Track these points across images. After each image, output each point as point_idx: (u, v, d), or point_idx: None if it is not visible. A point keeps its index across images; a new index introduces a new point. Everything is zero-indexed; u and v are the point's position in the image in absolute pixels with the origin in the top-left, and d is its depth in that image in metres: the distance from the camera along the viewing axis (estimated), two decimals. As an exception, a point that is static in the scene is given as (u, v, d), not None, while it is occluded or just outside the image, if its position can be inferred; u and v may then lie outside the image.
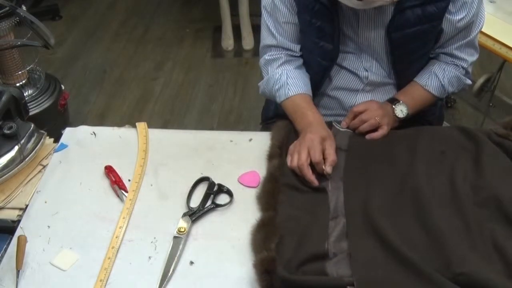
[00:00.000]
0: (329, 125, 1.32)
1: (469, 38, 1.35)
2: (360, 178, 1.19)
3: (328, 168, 1.19)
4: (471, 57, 1.39)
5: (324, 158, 1.20)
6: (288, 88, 1.35)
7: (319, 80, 1.41)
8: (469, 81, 1.43)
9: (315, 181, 1.17)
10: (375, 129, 1.30)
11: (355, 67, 1.39)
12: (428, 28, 1.27)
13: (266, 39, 1.41)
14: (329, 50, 1.33)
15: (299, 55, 1.41)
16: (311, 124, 1.27)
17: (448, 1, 1.24)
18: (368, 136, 1.30)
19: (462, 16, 1.28)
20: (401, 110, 1.35)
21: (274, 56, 1.40)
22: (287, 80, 1.36)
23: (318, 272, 1.01)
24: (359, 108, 1.32)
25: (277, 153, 1.25)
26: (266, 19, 1.38)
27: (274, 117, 1.56)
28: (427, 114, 1.50)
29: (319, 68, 1.39)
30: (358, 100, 1.42)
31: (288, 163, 1.21)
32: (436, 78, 1.38)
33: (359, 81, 1.40)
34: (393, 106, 1.35)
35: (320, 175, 1.19)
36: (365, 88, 1.41)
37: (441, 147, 1.25)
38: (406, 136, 1.30)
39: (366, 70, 1.38)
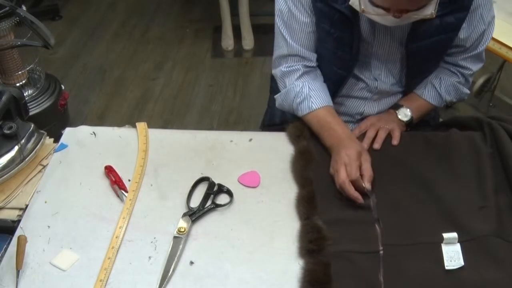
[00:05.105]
0: None
1: (476, 51, 1.34)
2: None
3: (367, 185, 1.15)
4: (476, 66, 1.39)
5: (361, 174, 1.16)
6: (312, 101, 1.30)
7: (335, 90, 1.38)
8: (467, 91, 1.42)
9: (359, 198, 1.13)
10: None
11: (364, 76, 1.36)
12: (445, 39, 1.26)
13: (281, 48, 1.34)
14: (347, 59, 1.30)
15: (315, 65, 1.36)
16: (342, 139, 1.24)
17: (467, 12, 1.22)
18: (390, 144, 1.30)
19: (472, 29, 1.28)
20: (404, 114, 1.36)
21: (291, 68, 1.33)
22: (309, 92, 1.31)
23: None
24: (362, 128, 1.33)
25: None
26: (281, 28, 1.31)
27: (281, 123, 1.48)
28: None
29: (336, 77, 1.35)
30: (366, 108, 1.41)
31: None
32: (433, 87, 1.39)
33: (367, 90, 1.39)
34: (396, 111, 1.36)
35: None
36: (373, 97, 1.40)
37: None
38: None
39: (376, 79, 1.36)
